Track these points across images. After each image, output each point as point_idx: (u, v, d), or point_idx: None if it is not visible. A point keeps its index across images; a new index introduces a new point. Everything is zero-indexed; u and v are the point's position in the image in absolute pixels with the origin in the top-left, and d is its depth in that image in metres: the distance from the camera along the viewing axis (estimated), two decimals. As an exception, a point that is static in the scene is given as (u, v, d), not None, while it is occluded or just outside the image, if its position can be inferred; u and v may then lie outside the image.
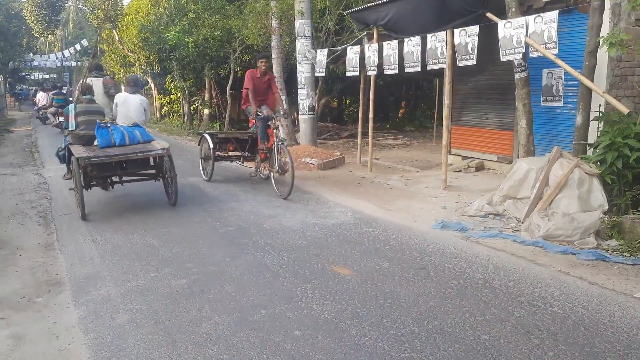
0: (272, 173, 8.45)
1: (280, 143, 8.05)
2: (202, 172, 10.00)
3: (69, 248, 5.87)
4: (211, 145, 9.29)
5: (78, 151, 7.11)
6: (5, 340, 3.75)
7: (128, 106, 8.40)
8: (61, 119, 10.99)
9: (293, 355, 3.41)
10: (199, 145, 10.19)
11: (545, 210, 6.08)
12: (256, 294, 4.44)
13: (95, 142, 7.41)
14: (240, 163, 10.07)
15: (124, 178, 7.90)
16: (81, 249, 5.82)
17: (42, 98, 24.90)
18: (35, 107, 28.32)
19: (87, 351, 3.55)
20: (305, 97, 12.89)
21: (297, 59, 12.88)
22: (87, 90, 8.30)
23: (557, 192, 6.13)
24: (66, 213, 7.45)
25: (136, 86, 9.09)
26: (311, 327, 3.80)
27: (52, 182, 9.87)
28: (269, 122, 8.43)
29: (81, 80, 8.75)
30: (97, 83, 8.90)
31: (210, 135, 9.62)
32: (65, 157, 7.97)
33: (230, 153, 9.92)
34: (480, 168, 10.10)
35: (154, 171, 7.92)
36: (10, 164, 12.65)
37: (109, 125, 7.57)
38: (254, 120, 9.09)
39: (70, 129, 7.85)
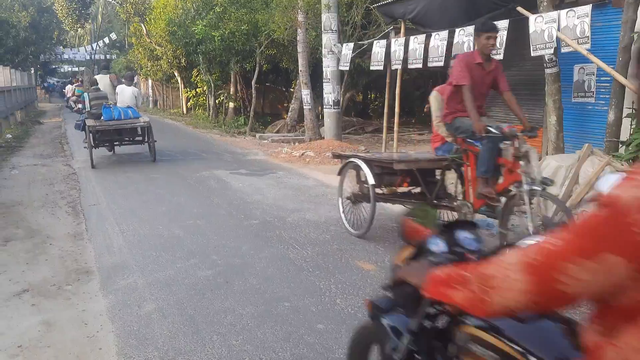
0: (504, 240, 4.83)
1: (538, 188, 4.46)
2: (344, 221, 6.09)
3: (97, 238, 5.97)
4: (371, 181, 5.57)
5: (90, 122, 10.68)
6: (36, 327, 3.84)
7: (124, 94, 11.54)
8: (80, 105, 15.39)
9: (316, 348, 3.42)
10: (339, 174, 6.34)
11: (575, 209, 5.97)
12: (280, 286, 4.46)
13: (102, 117, 10.72)
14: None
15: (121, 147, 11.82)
16: (109, 238, 5.92)
17: (69, 90, 29.25)
18: (65, 98, 33.14)
19: (114, 339, 3.62)
20: (330, 91, 12.88)
21: (323, 52, 12.87)
22: (93, 82, 12.12)
23: (587, 190, 6.00)
24: (95, 203, 7.58)
25: (131, 80, 12.46)
26: (334, 321, 3.80)
27: (81, 173, 10.05)
28: (502, 146, 4.81)
29: (89, 76, 14.65)
30: (105, 77, 12.69)
31: (367, 161, 5.80)
32: (82, 127, 11.34)
33: (400, 190, 6.10)
34: (507, 164, 9.95)
35: (141, 138, 11.36)
36: (41, 154, 12.91)
37: (111, 106, 11.02)
38: (460, 139, 5.33)
39: (86, 110, 11.36)
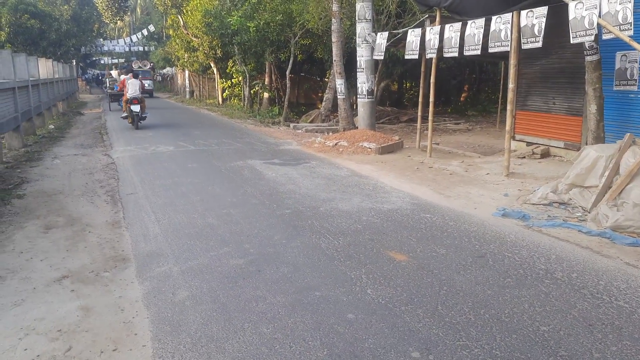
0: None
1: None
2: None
3: (134, 226, 6.11)
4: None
5: (109, 91, 25.91)
6: (75, 312, 3.96)
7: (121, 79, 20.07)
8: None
9: (346, 338, 3.43)
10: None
11: (614, 200, 5.81)
12: (311, 276, 4.48)
13: (114, 89, 23.25)
14: None
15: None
16: (145, 227, 6.05)
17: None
18: (102, 86, 39.56)
19: (149, 325, 3.70)
20: (364, 81, 12.80)
21: (357, 42, 12.78)
22: (110, 75, 29.83)
23: (628, 181, 5.83)
24: (132, 193, 7.75)
25: (127, 72, 19.84)
26: (365, 311, 3.81)
27: (119, 163, 10.27)
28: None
29: (107, 72, 36.21)
30: (114, 72, 30.29)
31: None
32: (109, 95, 25.64)
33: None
34: (545, 155, 9.75)
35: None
36: (81, 145, 13.26)
37: (117, 84, 20.31)
38: None
39: (107, 87, 27.82)
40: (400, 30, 11.57)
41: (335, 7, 13.97)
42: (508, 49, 7.97)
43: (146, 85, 33.44)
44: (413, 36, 10.27)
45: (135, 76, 16.46)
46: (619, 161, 6.09)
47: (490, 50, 8.24)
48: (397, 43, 11.90)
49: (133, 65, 36.37)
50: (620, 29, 6.31)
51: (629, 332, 3.42)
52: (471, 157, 10.47)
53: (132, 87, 15.97)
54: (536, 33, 7.40)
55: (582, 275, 4.38)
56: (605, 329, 3.48)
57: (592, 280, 4.26)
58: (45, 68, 20.49)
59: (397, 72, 20.35)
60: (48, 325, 3.74)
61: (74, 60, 39.40)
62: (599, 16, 6.52)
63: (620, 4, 6.28)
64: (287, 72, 19.37)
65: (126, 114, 16.62)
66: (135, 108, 15.88)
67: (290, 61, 19.19)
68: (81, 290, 4.35)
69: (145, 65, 39.09)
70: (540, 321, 3.59)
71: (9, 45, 29.21)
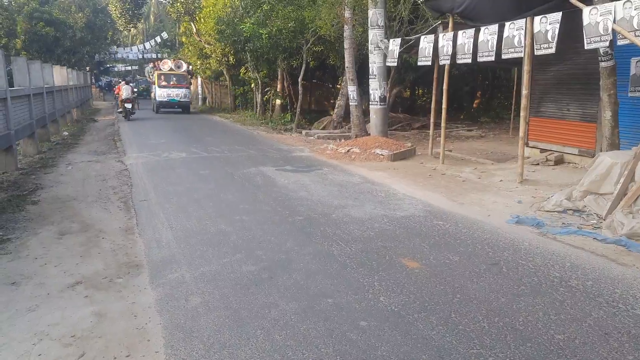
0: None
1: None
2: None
3: (147, 232, 6.14)
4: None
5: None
6: (89, 317, 3.98)
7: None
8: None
9: (359, 346, 3.41)
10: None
11: (630, 207, 5.74)
12: (323, 283, 4.47)
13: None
14: None
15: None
16: (158, 233, 6.07)
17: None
18: (114, 96, 39.08)
19: (162, 331, 3.71)
20: (376, 88, 12.80)
21: (369, 49, 12.80)
22: (116, 83, 35.07)
23: (643, 188, 5.76)
24: (145, 199, 7.79)
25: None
26: (378, 318, 3.79)
27: (133, 170, 10.34)
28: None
29: (116, 81, 42.75)
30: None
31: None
32: (116, 99, 27.93)
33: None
34: (559, 161, 9.67)
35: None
36: (95, 151, 13.37)
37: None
38: None
39: (117, 95, 26.98)
40: (413, 37, 11.56)
41: (347, 14, 14.00)
42: (521, 55, 7.93)
43: (180, 95, 26.86)
44: (426, 42, 10.26)
45: (127, 83, 23.79)
46: (634, 168, 6.02)
47: (504, 57, 8.21)
48: (409, 49, 11.89)
49: (162, 67, 29.39)
50: (635, 34, 6.26)
51: (647, 342, 3.37)
52: (484, 164, 10.41)
53: (125, 91, 22.62)
54: (550, 39, 7.35)
55: (597, 283, 4.33)
56: (621, 337, 3.43)
57: (607, 289, 4.21)
58: (59, 75, 20.74)
59: (409, 79, 20.32)
60: (62, 331, 3.76)
61: (88, 68, 39.84)
62: (614, 22, 6.47)
63: (635, 10, 6.23)
64: (300, 79, 19.41)
65: (121, 110, 23.02)
66: (128, 105, 22.45)
67: (303, 68, 19.23)
68: (95, 296, 4.37)
69: (179, 67, 28.81)
70: (555, 329, 3.55)
71: (24, 53, 29.62)
